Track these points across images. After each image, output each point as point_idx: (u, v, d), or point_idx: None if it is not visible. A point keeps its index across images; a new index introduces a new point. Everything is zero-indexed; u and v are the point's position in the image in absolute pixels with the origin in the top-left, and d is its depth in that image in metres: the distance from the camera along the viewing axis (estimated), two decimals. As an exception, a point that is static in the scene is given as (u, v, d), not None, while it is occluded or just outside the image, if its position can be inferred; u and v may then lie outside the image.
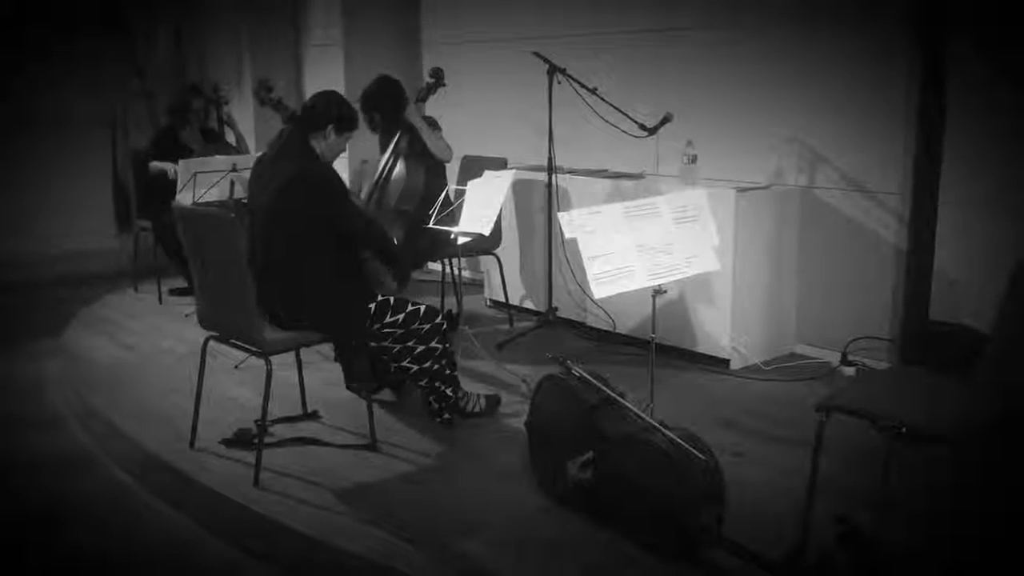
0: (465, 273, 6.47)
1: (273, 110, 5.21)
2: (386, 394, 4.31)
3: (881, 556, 2.79)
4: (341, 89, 7.06)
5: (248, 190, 3.84)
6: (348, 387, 4.32)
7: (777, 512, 3.12)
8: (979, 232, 4.23)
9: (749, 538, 2.80)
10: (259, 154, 4.08)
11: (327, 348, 4.68)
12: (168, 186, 5.78)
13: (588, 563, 2.87)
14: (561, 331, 5.33)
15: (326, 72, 7.47)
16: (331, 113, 3.71)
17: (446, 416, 3.96)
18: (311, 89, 7.70)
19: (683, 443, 2.85)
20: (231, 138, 6.67)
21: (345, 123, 3.75)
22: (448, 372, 3.90)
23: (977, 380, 2.57)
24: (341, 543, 3.00)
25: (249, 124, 7.72)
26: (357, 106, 4.18)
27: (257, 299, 3.49)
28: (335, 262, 3.66)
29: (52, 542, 3.41)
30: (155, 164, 6.16)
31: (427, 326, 3.78)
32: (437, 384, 3.88)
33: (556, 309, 5.35)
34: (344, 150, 3.84)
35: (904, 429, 2.63)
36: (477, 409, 4.04)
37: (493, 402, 4.13)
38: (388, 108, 5.10)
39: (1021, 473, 3.18)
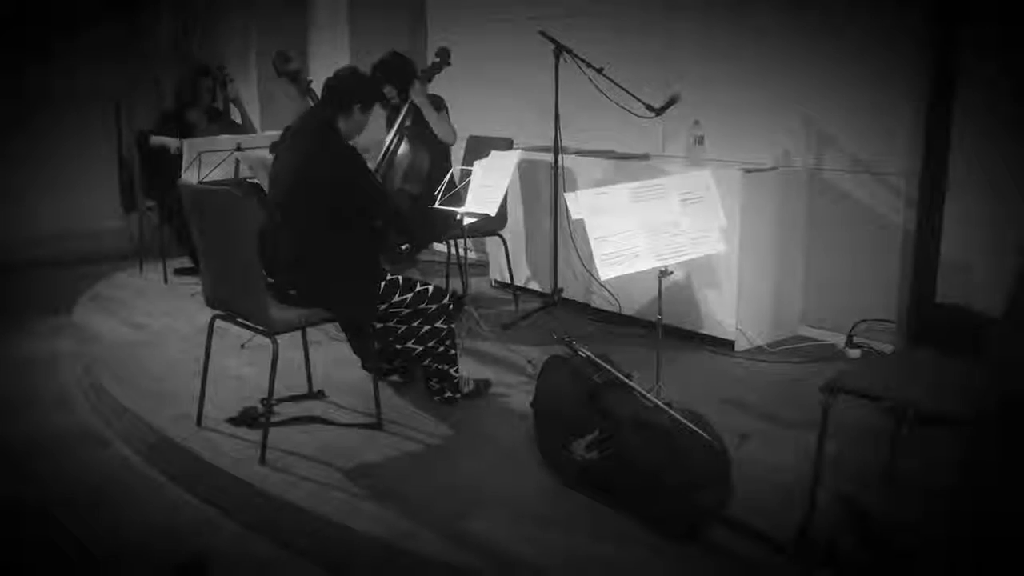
0: (471, 254, 6.46)
1: (290, 82, 5.20)
2: (394, 375, 4.31)
3: (887, 536, 2.80)
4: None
5: (271, 167, 3.85)
6: (364, 367, 4.32)
7: (783, 492, 3.12)
8: (986, 214, 4.21)
9: (755, 518, 2.81)
10: (272, 132, 4.08)
11: (333, 327, 4.69)
12: (172, 162, 5.77)
13: (594, 542, 2.88)
14: (567, 312, 5.33)
15: (332, 51, 7.44)
16: (358, 92, 3.73)
17: (447, 395, 3.96)
18: (317, 67, 7.69)
19: (689, 423, 2.85)
20: (236, 116, 6.66)
21: (370, 100, 3.78)
22: (451, 353, 3.90)
23: (984, 361, 2.57)
24: (347, 521, 3.02)
25: (254, 103, 7.71)
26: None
27: (269, 276, 3.50)
28: (353, 241, 3.66)
29: (60, 520, 3.43)
30: (156, 138, 6.16)
31: (434, 307, 3.78)
32: (440, 365, 3.89)
33: (562, 290, 5.35)
34: (366, 126, 3.84)
35: (910, 410, 2.63)
36: (466, 390, 4.05)
37: (483, 385, 4.13)
38: (400, 80, 5.14)
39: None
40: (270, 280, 3.59)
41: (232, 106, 6.68)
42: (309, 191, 3.57)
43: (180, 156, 5.46)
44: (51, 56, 7.33)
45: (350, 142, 3.75)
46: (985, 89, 4.15)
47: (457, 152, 5.56)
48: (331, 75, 3.81)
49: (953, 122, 4.23)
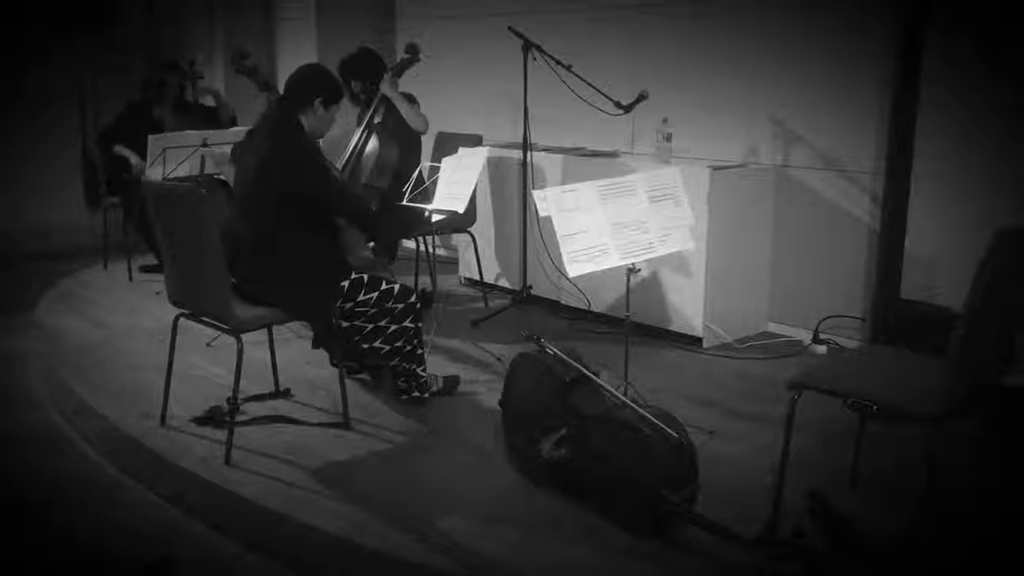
0: (439, 251, 6.45)
1: (248, 77, 5.19)
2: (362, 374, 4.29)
3: (851, 531, 2.82)
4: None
5: (234, 165, 3.82)
6: (332, 363, 4.29)
7: (750, 489, 3.14)
8: (951, 212, 4.26)
9: (722, 515, 2.82)
10: (240, 129, 4.05)
11: (299, 326, 4.65)
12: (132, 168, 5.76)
13: (562, 540, 2.88)
14: (535, 309, 5.33)
15: (299, 46, 7.38)
16: (317, 87, 3.67)
17: (414, 395, 3.94)
18: (284, 62, 7.63)
19: (656, 421, 2.86)
20: (210, 101, 6.61)
21: (332, 96, 3.71)
22: (419, 352, 3.88)
23: (948, 357, 2.59)
24: (314, 521, 2.99)
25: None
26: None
27: (233, 275, 3.46)
28: (309, 240, 3.62)
29: (23, 522, 3.38)
30: (119, 148, 6.10)
31: (400, 305, 3.76)
32: (407, 364, 3.87)
33: (531, 287, 5.34)
34: (333, 122, 3.79)
35: (875, 407, 2.65)
36: (435, 388, 4.03)
37: (451, 383, 4.12)
38: (367, 77, 5.12)
39: (991, 448, 3.22)
40: (233, 279, 3.55)
41: (203, 100, 6.62)
42: (266, 191, 3.53)
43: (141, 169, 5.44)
44: (14, 51, 7.21)
45: (318, 139, 3.71)
46: (950, 87, 4.19)
47: (426, 149, 5.54)
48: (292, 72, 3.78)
49: (918, 120, 4.27)
